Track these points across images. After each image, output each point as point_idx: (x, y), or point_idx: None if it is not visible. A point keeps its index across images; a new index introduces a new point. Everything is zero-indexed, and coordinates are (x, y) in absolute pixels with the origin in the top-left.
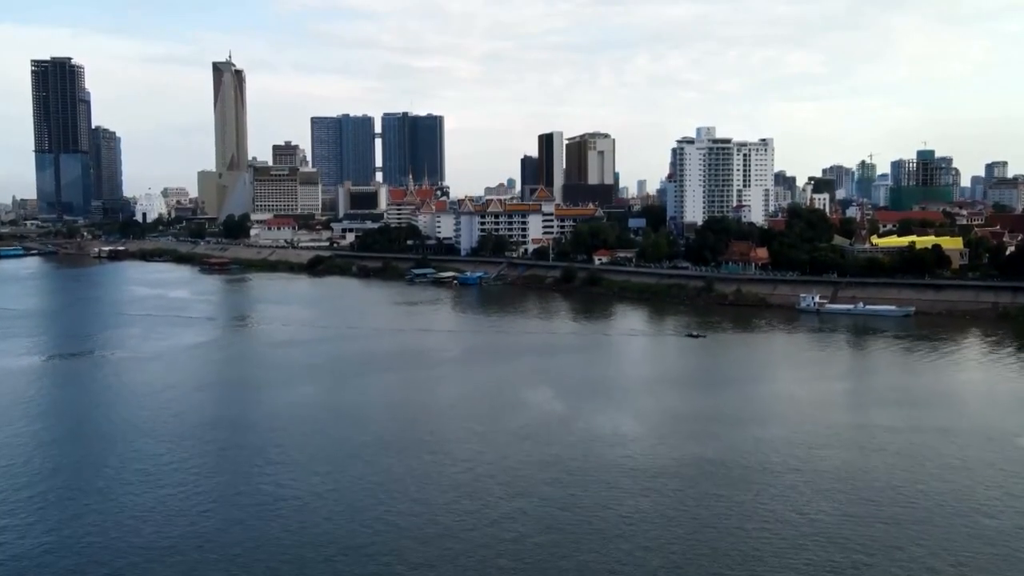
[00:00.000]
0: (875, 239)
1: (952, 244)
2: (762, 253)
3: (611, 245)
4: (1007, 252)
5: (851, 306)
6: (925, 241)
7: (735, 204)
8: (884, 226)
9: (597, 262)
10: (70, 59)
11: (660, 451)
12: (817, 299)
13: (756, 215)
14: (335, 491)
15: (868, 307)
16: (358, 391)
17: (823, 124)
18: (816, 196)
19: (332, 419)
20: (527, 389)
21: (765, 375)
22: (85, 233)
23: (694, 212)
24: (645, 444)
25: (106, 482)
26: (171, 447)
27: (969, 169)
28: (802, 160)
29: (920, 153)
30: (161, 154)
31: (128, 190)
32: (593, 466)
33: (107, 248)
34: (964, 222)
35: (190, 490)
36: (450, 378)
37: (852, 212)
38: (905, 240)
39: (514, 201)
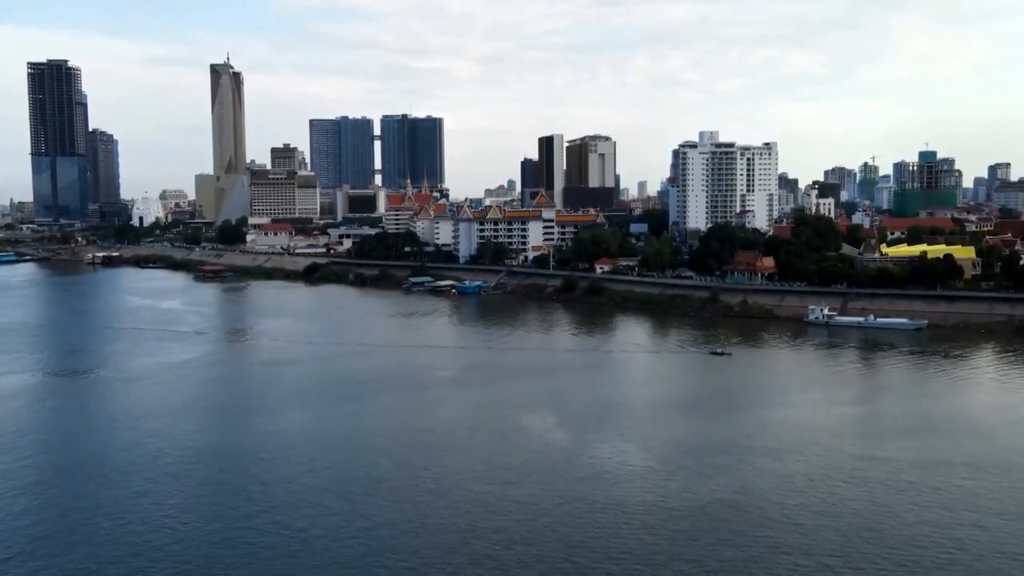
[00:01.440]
0: (884, 248)
1: (964, 253)
2: (768, 263)
3: (613, 253)
4: (1021, 261)
5: (861, 319)
6: (936, 250)
7: (739, 210)
8: (892, 233)
9: (599, 271)
10: (67, 61)
11: (671, 490)
12: (826, 311)
13: (760, 221)
14: (322, 537)
15: (879, 320)
16: (349, 418)
17: (823, 124)
18: (821, 201)
19: (321, 451)
20: (528, 415)
21: (777, 398)
22: (79, 238)
23: (697, 218)
24: (654, 481)
25: (76, 523)
26: (149, 483)
27: (970, 170)
28: (803, 161)
29: (922, 155)
30: (160, 155)
31: (127, 192)
32: (600, 508)
33: (101, 254)
34: (973, 228)
35: (169, 533)
36: (447, 402)
37: (858, 217)
38: (916, 249)
39: (514, 203)
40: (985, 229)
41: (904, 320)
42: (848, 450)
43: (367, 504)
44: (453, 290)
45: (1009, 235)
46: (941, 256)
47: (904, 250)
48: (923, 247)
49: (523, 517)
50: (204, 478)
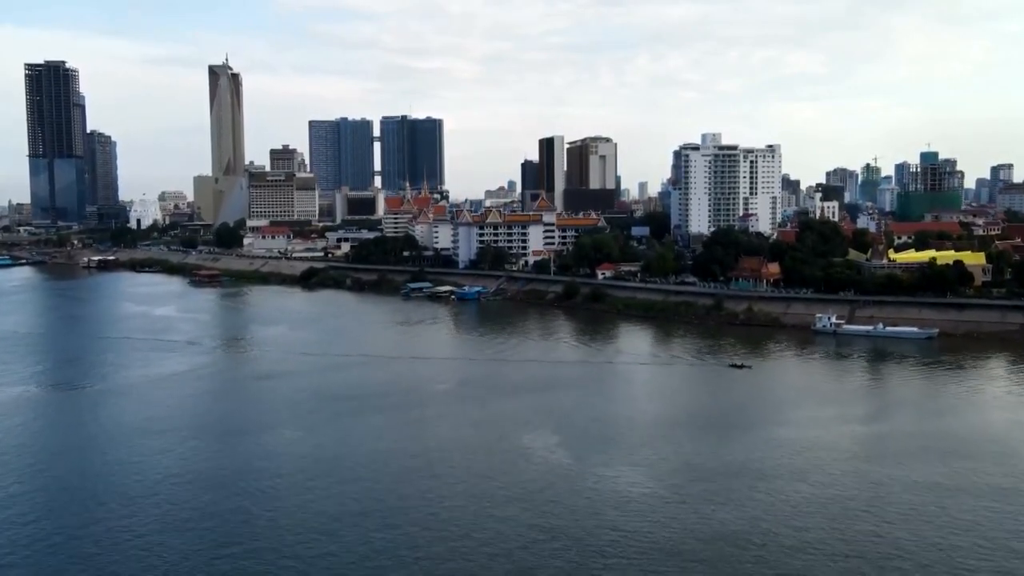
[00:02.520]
0: (892, 254)
1: (974, 259)
2: (774, 269)
3: (615, 258)
4: None
5: (870, 327)
6: (945, 256)
7: (742, 213)
8: (899, 238)
9: (600, 276)
10: (64, 62)
11: (681, 520)
12: (834, 319)
13: (763, 224)
14: (315, 565)
15: (888, 329)
16: (343, 438)
17: (824, 125)
18: (825, 204)
19: (313, 475)
20: (530, 434)
21: (789, 415)
22: (75, 241)
23: (699, 221)
24: (664, 510)
25: (60, 547)
26: (133, 510)
27: (971, 170)
28: (803, 162)
29: (924, 155)
30: (160, 156)
31: (125, 193)
32: (607, 541)
33: (96, 258)
34: (980, 232)
35: (151, 561)
36: (444, 419)
37: (863, 221)
38: (925, 255)
39: (515, 205)
40: (993, 233)
41: (914, 329)
42: (867, 472)
43: (361, 530)
44: (452, 296)
45: (1019, 240)
46: (951, 262)
47: (913, 256)
48: (931, 253)
49: (524, 548)
50: (188, 503)
